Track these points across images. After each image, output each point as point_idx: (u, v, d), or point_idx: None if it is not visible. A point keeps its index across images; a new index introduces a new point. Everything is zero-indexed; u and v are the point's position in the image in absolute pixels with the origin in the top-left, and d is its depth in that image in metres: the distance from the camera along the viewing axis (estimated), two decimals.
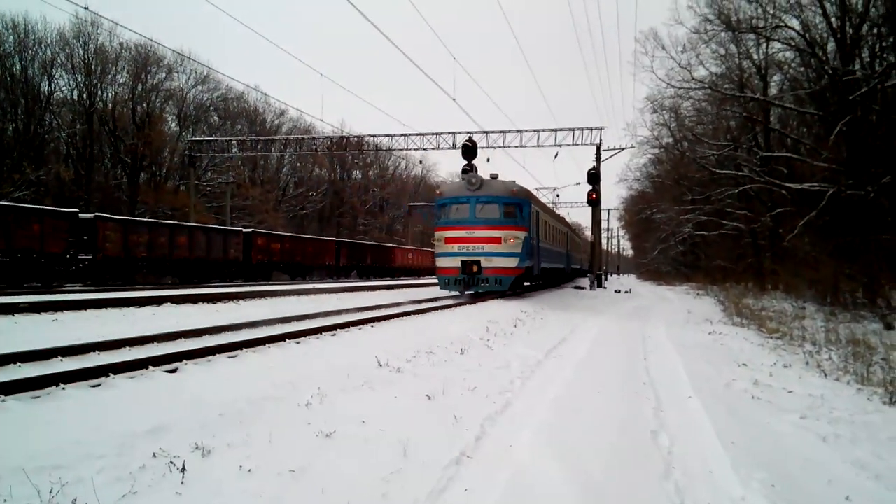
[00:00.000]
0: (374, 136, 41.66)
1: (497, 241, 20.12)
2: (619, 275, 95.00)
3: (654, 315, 18.84)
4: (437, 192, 22.78)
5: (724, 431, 5.54)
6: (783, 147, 26.95)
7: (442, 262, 20.66)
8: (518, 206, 20.75)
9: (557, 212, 41.73)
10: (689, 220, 38.69)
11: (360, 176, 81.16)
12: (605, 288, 39.19)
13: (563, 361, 9.27)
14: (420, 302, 18.90)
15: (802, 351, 10.43)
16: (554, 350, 10.47)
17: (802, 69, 24.54)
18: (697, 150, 32.59)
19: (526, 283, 24.24)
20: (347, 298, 20.56)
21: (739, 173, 28.36)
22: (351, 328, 11.54)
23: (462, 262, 20.12)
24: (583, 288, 35.24)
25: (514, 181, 21.39)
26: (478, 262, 20.04)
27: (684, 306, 22.69)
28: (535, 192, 27.27)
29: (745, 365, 9.17)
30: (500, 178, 21.44)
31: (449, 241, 20.52)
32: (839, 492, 4.34)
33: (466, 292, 20.99)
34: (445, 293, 21.54)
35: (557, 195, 58.70)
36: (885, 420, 6.10)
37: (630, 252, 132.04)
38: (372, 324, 12.39)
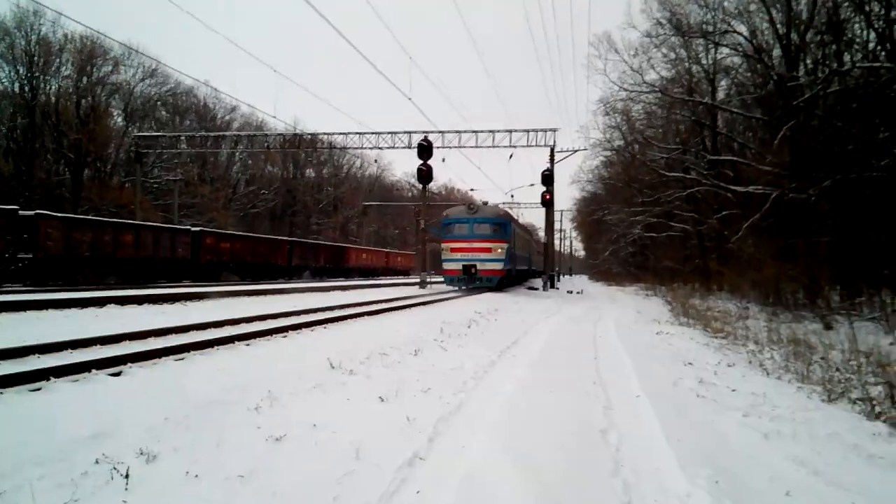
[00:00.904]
0: (328, 134, 41.43)
1: (488, 250, 29.09)
2: (571, 275, 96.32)
3: (605, 316, 19.17)
4: (445, 214, 31.82)
5: (671, 429, 5.68)
6: (730, 151, 27.68)
7: (448, 266, 29.45)
8: (503, 225, 30.05)
9: (519, 219, 47.91)
10: (639, 221, 39.42)
11: (313, 174, 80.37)
12: (557, 289, 39.70)
13: (516, 361, 9.36)
14: (374, 303, 18.91)
15: (746, 350, 10.76)
16: (507, 350, 10.56)
17: (749, 74, 25.27)
18: (648, 152, 33.26)
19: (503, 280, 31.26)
20: (299, 300, 20.39)
21: (688, 176, 29.06)
22: (303, 330, 11.44)
23: (463, 265, 28.93)
24: (536, 289, 35.63)
25: (499, 206, 32.19)
26: (475, 266, 28.86)
27: (634, 307, 23.14)
28: (510, 211, 38.28)
29: (691, 364, 9.41)
30: (489, 205, 31.47)
31: (454, 250, 29.34)
32: (780, 487, 4.49)
33: (464, 287, 29.43)
34: (399, 294, 23.81)
35: (511, 196, 59.42)
36: (824, 417, 6.34)
37: (582, 253, 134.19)
38: (325, 325, 12.32)
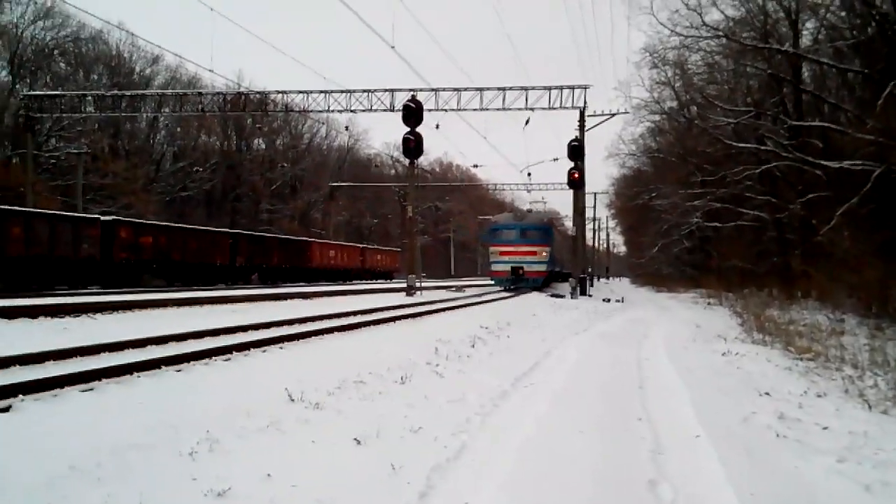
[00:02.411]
0: (283, 92, 41.45)
1: (534, 253, 41.99)
2: (608, 278, 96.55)
3: (653, 332, 19.21)
4: (493, 220, 48.74)
5: (741, 480, 5.70)
6: (818, 115, 27.74)
7: (497, 267, 43.07)
8: (546, 230, 43.87)
9: (544, 207, 65.59)
10: (698, 207, 39.55)
11: (263, 146, 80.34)
12: (590, 296, 39.85)
13: (536, 392, 9.40)
14: (347, 315, 18.94)
15: (841, 376, 10.77)
16: (523, 378, 10.60)
17: (843, 14, 25.30)
18: (709, 117, 33.32)
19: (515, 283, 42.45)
20: (247, 311, 20.38)
21: (762, 147, 29.13)
22: (252, 351, 11.46)
23: (511, 267, 41.78)
24: (561, 296, 35.78)
25: (545, 213, 48.94)
26: (522, 268, 41.69)
27: (691, 319, 23.19)
28: (551, 216, 53.16)
29: (767, 394, 9.44)
30: (534, 212, 48.98)
31: (503, 253, 42.40)
32: None
33: (512, 287, 40.82)
34: (379, 303, 24.51)
35: (528, 175, 59.45)
36: None
37: (622, 249, 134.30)
38: (281, 345, 12.33)
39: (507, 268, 41.87)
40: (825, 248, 23.60)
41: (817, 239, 24.37)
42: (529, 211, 48.53)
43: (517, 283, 41.26)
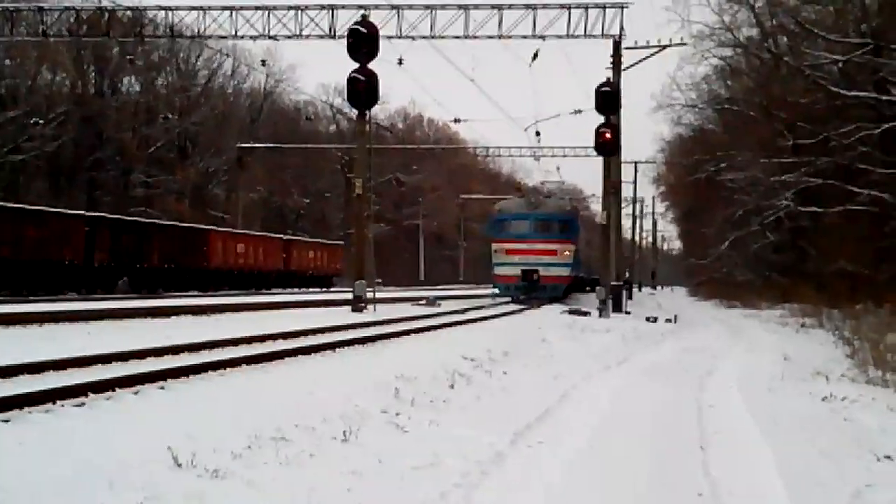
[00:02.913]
0: (166, 9, 41.20)
1: (553, 252, 44.18)
2: (654, 287, 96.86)
3: (722, 365, 19.32)
4: (497, 207, 50.44)
5: None
6: None
7: (502, 271, 45.31)
8: (569, 222, 46.69)
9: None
10: (789, 184, 39.64)
11: (138, 88, 79.88)
12: (627, 313, 39.87)
13: (545, 454, 9.42)
14: (264, 340, 18.92)
15: None
16: (527, 432, 10.61)
17: None
18: (807, 52, 33.46)
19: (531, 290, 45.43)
20: (109, 332, 20.22)
21: (885, 98, 29.30)
22: (118, 391, 11.38)
23: (523, 270, 43.61)
24: (586, 313, 35.74)
25: (567, 199, 49.61)
26: (536, 271, 43.54)
27: (778, 347, 23.32)
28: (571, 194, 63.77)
29: (889, 458, 9.50)
30: (554, 197, 49.64)
31: (510, 252, 44.78)
32: None
33: (522, 297, 43.16)
34: (312, 323, 24.34)
35: (537, 135, 59.00)
36: None
37: (676, 245, 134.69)
38: (162, 382, 12.24)
39: (517, 271, 44.36)
40: None
41: None
42: (548, 196, 50.28)
43: (530, 291, 43.80)
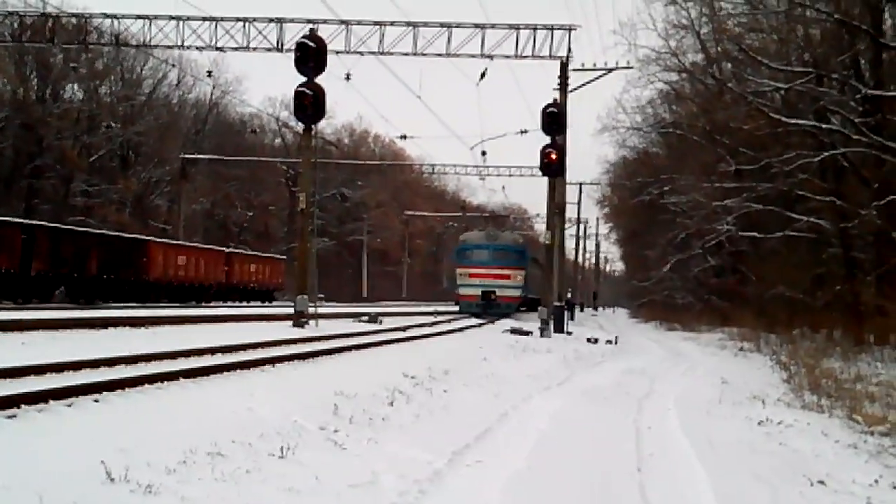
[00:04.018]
0: (112, 17, 41.10)
1: (507, 277, 57.26)
2: (596, 308, 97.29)
3: (661, 388, 19.44)
4: (461, 239, 67.29)
5: None
6: None
7: (465, 291, 58.01)
8: (521, 252, 61.95)
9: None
10: (731, 209, 39.95)
11: (81, 96, 79.22)
12: (569, 333, 39.98)
13: (484, 474, 9.42)
14: (202, 353, 18.78)
15: None
16: (466, 451, 10.61)
17: None
18: (750, 78, 33.74)
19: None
20: (41, 343, 19.99)
21: (824, 126, 29.58)
22: (51, 403, 11.23)
23: (482, 291, 56.02)
24: (527, 332, 35.78)
25: (518, 234, 78.07)
26: (494, 292, 56.05)
27: (716, 371, 23.54)
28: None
29: (822, 483, 9.58)
30: (508, 233, 71.50)
31: (473, 275, 57.40)
32: None
33: (481, 313, 53.00)
34: (252, 338, 24.37)
35: (483, 154, 59.65)
36: None
37: (618, 266, 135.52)
38: (96, 395, 12.10)
39: (478, 292, 56.61)
40: None
41: None
42: (503, 231, 67.74)
43: (489, 308, 54.89)
